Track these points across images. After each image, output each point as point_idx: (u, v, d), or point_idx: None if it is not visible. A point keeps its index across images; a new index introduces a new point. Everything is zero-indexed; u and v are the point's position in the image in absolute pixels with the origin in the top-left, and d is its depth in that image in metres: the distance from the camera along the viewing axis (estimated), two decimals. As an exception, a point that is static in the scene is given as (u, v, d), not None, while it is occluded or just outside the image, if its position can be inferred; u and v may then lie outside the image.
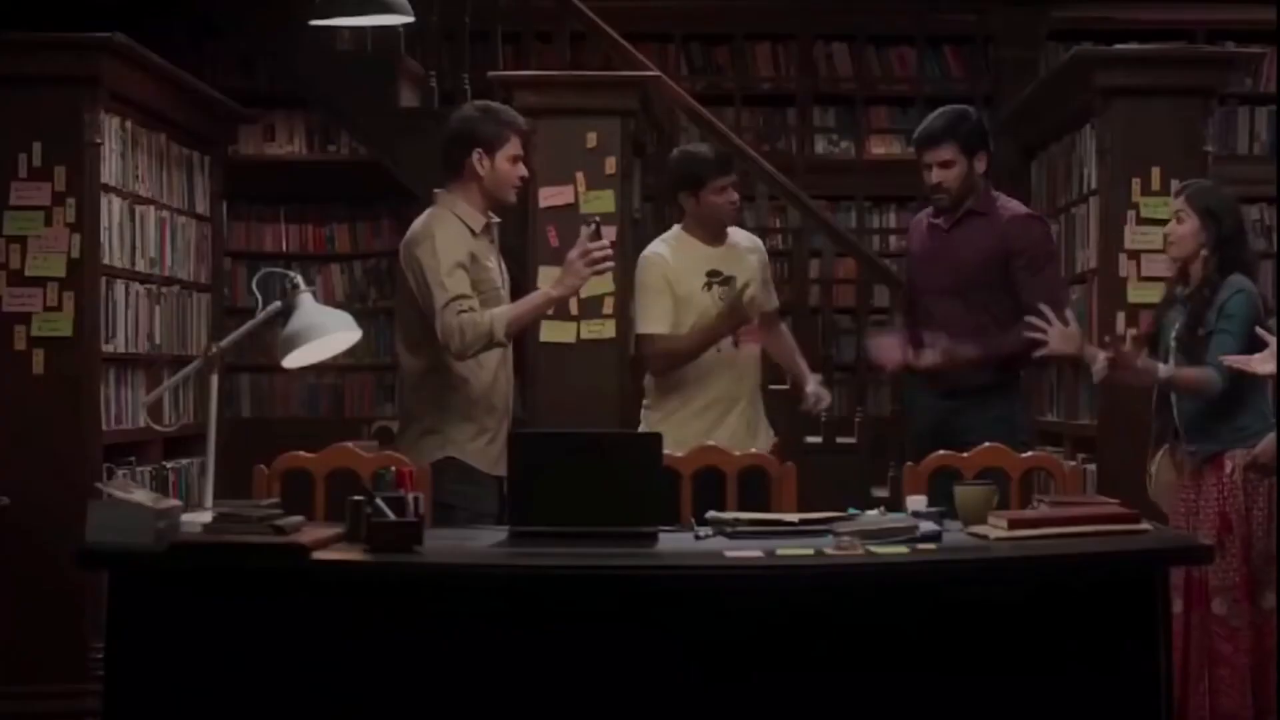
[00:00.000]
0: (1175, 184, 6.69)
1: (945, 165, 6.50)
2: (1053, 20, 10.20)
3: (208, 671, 4.66)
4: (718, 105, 9.90)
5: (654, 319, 6.55)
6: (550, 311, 7.04)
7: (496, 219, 6.09)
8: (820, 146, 10.76)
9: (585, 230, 5.93)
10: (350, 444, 5.97)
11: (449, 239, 5.87)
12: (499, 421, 6.02)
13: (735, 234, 6.72)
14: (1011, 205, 6.60)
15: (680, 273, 6.57)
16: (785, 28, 10.76)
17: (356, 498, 4.93)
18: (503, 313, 5.85)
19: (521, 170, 6.06)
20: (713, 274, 6.60)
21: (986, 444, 5.72)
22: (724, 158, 6.67)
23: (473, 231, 5.96)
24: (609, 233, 7.10)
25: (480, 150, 5.95)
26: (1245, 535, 5.82)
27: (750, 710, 4.60)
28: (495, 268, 6.08)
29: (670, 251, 6.63)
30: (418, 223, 6.02)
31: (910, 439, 6.77)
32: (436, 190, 6.06)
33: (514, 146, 6.01)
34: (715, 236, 6.62)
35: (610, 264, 6.04)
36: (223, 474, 5.53)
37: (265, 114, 10.20)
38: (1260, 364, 5.57)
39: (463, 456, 5.92)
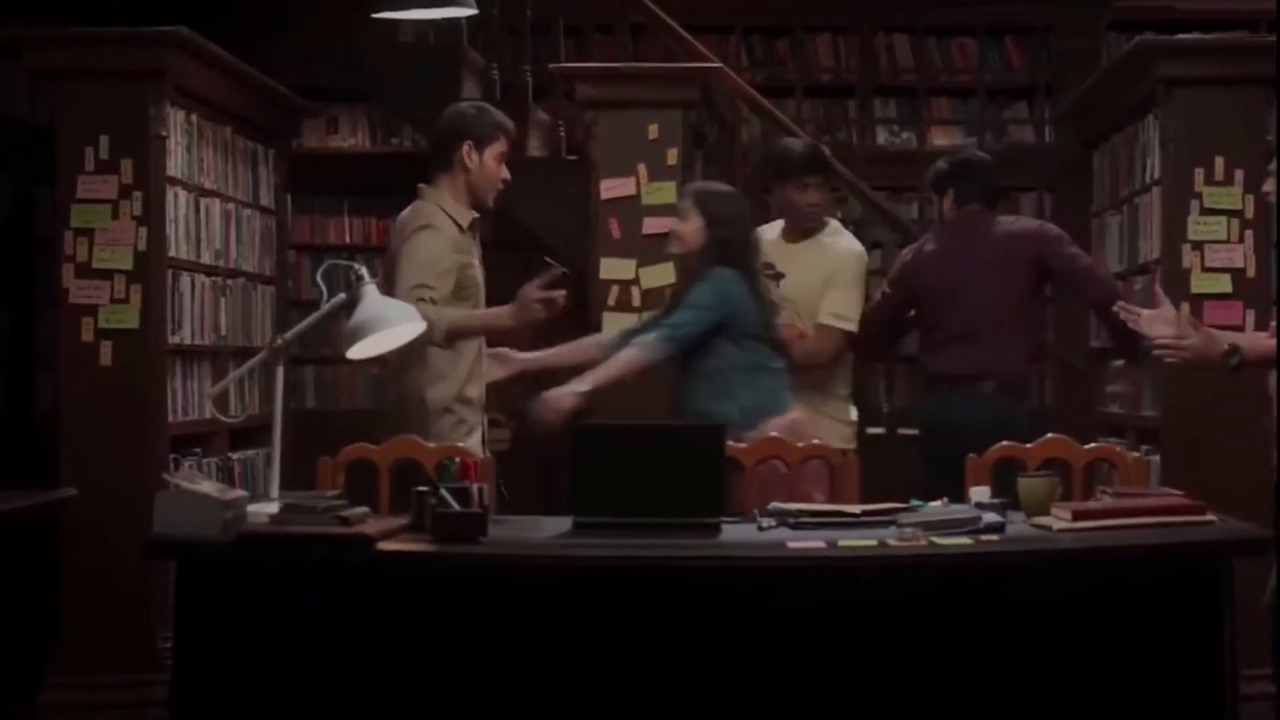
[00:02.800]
0: (1239, 174, 6.68)
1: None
2: (1114, 10, 10.15)
3: (273, 660, 4.70)
4: (779, 97, 9.90)
5: None
6: (612, 302, 7.10)
7: (478, 216, 6.24)
8: (881, 137, 10.75)
9: (550, 273, 6.08)
10: (414, 435, 6.00)
11: (445, 239, 6.08)
12: (476, 414, 6.24)
13: (830, 239, 6.81)
14: None
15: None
16: (846, 19, 10.74)
17: (421, 489, 4.96)
18: (453, 317, 6.06)
19: (505, 172, 6.28)
20: (767, 266, 6.69)
21: (1050, 435, 5.72)
22: (811, 159, 6.82)
23: (460, 226, 6.09)
24: (669, 223, 7.16)
25: (471, 143, 6.17)
26: None
27: (813, 701, 4.61)
28: (478, 265, 6.26)
29: (766, 231, 6.96)
30: (408, 213, 6.20)
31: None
32: (421, 185, 6.18)
33: (501, 146, 6.25)
34: (793, 231, 6.76)
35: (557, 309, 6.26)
36: (287, 465, 5.56)
37: (328, 107, 10.24)
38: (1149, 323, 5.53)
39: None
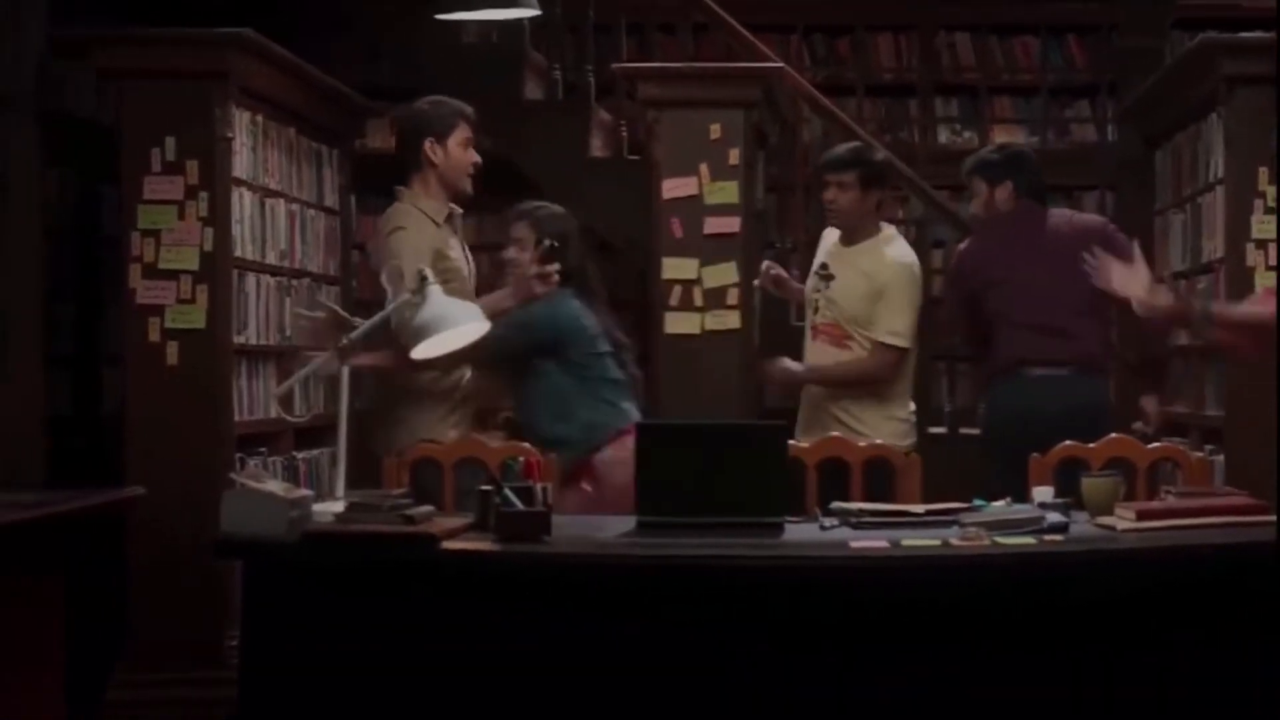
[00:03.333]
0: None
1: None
2: (1177, 8, 10.12)
3: (338, 657, 4.73)
4: (840, 96, 9.92)
5: None
6: (674, 302, 7.11)
7: (459, 210, 6.29)
8: (943, 136, 10.74)
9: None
10: (478, 434, 6.04)
11: (417, 235, 6.12)
12: (461, 408, 6.32)
13: (884, 248, 6.79)
14: None
15: (818, 254, 6.98)
16: (907, 18, 10.75)
17: (485, 487, 4.99)
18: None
19: (474, 156, 6.34)
20: (821, 267, 6.74)
21: (1113, 435, 5.71)
22: (830, 158, 6.83)
23: (436, 223, 6.17)
24: (731, 223, 7.18)
25: (432, 138, 6.27)
26: None
27: (876, 701, 4.61)
28: (460, 257, 6.39)
29: (829, 233, 7.01)
30: (383, 218, 6.30)
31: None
32: (398, 187, 6.23)
33: (464, 131, 6.33)
34: (845, 233, 6.78)
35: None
36: (351, 465, 5.59)
37: (392, 107, 10.25)
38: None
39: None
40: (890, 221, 8.73)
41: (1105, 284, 5.67)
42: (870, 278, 6.77)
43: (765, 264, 7.29)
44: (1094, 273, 5.79)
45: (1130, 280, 5.53)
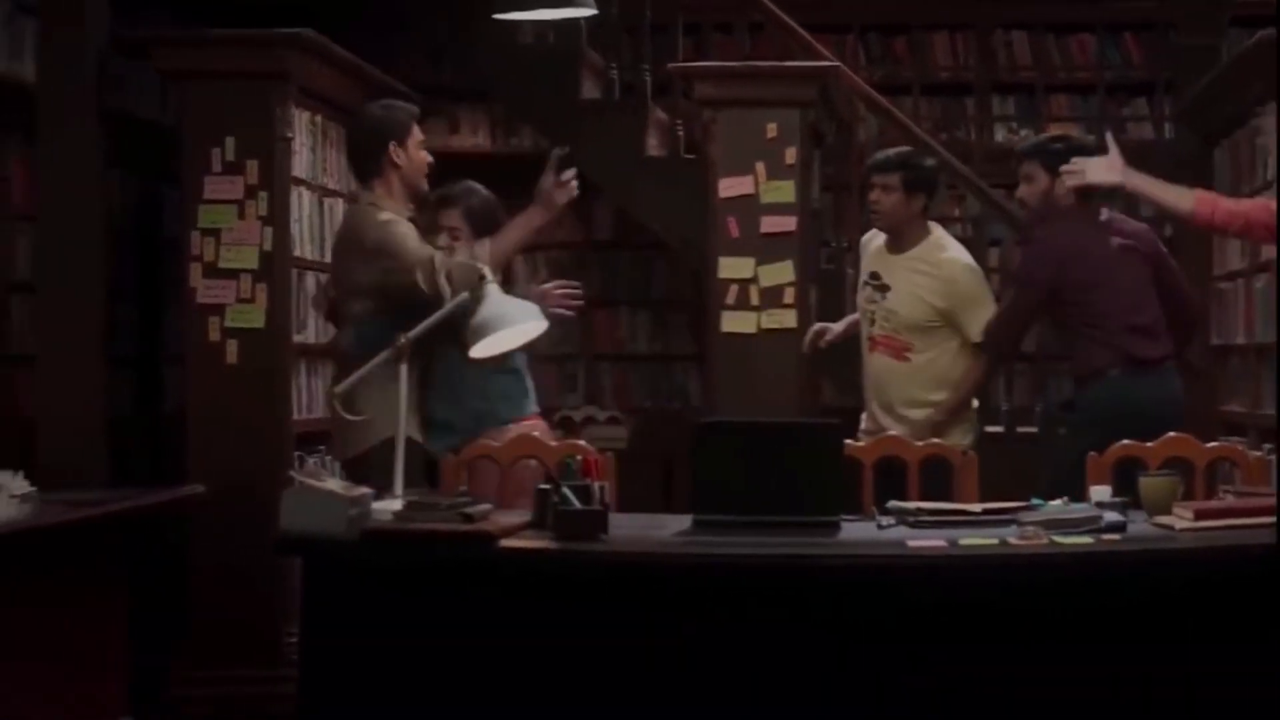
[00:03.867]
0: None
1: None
2: (1235, 5, 10.06)
3: (397, 654, 4.75)
4: (896, 95, 9.88)
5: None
6: (731, 301, 7.11)
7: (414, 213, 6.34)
8: (999, 135, 10.71)
9: (554, 157, 6.22)
10: (536, 433, 6.06)
11: (396, 224, 6.10)
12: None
13: (940, 254, 6.72)
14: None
15: (863, 262, 6.90)
16: (963, 17, 10.72)
17: (543, 486, 5.00)
18: (484, 253, 6.08)
19: (428, 155, 6.35)
20: (873, 276, 6.68)
21: (1171, 434, 5.70)
22: (876, 159, 6.78)
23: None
24: (788, 222, 7.18)
25: (394, 142, 6.23)
26: None
27: (932, 700, 4.62)
28: None
29: (870, 240, 6.93)
30: (355, 221, 6.27)
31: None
32: (360, 190, 6.30)
33: (417, 133, 6.32)
34: (892, 240, 6.71)
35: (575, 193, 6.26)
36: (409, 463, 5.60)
37: (449, 107, 10.33)
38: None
39: (410, 433, 5.99)
40: (948, 220, 8.76)
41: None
42: (933, 283, 6.68)
43: (813, 331, 7.12)
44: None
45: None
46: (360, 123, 6.41)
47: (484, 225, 6.26)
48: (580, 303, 6.43)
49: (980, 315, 6.65)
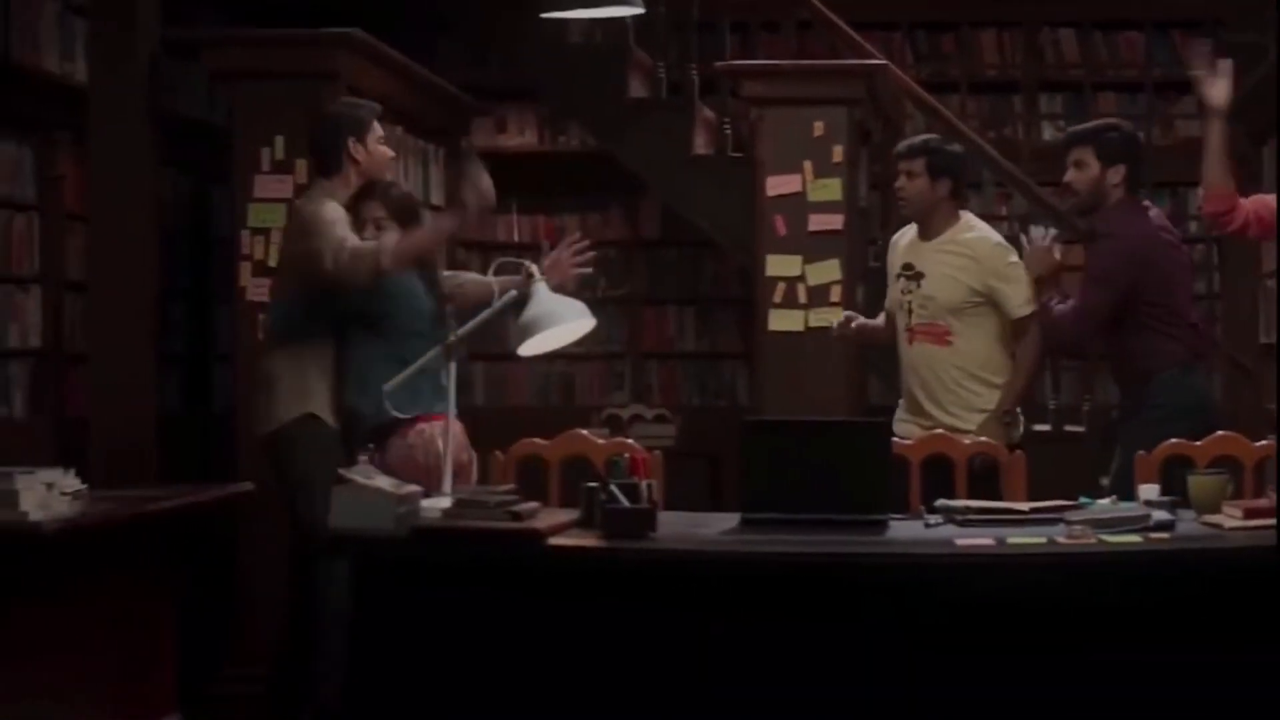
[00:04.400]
0: None
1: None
2: (1285, 3, 10.04)
3: (444, 651, 4.77)
4: (943, 93, 9.86)
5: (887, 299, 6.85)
6: (778, 299, 7.11)
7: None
8: (1047, 133, 10.68)
9: (466, 152, 6.07)
10: (584, 431, 6.08)
11: (332, 209, 6.08)
12: (330, 379, 6.21)
13: (967, 235, 6.65)
14: None
15: (892, 259, 6.75)
16: (1011, 14, 10.69)
17: (591, 484, 5.02)
18: (390, 240, 6.03)
19: (389, 150, 6.39)
20: (906, 267, 6.63)
21: (1221, 432, 5.69)
22: (900, 146, 6.73)
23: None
24: (835, 220, 7.18)
25: (354, 138, 6.23)
26: None
27: (980, 698, 4.61)
28: None
29: (901, 236, 6.79)
30: (298, 203, 6.28)
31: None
32: (318, 179, 6.26)
33: (378, 129, 6.33)
34: (922, 228, 6.65)
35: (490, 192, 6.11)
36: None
37: (497, 106, 10.34)
38: None
39: (320, 412, 6.13)
40: (995, 218, 8.73)
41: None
42: (965, 261, 6.60)
43: (840, 320, 6.91)
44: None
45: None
46: (321, 119, 6.42)
47: (403, 216, 6.22)
48: (593, 254, 6.37)
49: (1018, 290, 6.57)
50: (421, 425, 6.03)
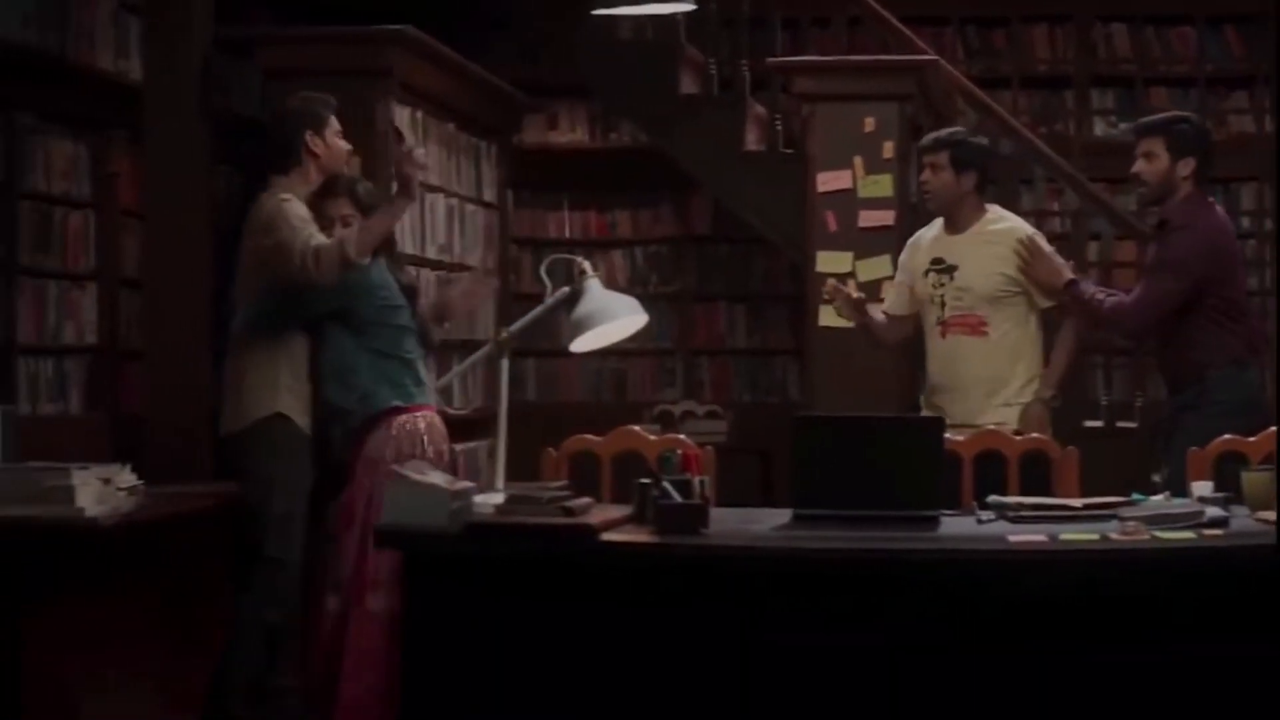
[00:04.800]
0: None
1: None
2: (1339, -3, 10.00)
3: (498, 645, 4.78)
4: (995, 88, 9.86)
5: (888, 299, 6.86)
6: (828, 296, 7.09)
7: None
8: (1099, 129, 10.67)
9: (408, 145, 6.07)
10: (636, 427, 6.09)
11: (296, 206, 6.06)
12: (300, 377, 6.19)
13: (996, 226, 6.64)
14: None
15: (916, 258, 6.73)
16: (1063, 9, 10.68)
17: (643, 480, 5.03)
18: (351, 232, 5.98)
19: (347, 145, 6.35)
20: (935, 261, 6.61)
21: (1275, 428, 5.67)
22: (924, 140, 6.70)
23: None
24: (886, 216, 7.18)
25: (311, 131, 6.23)
26: None
27: (1033, 694, 4.62)
28: None
29: (923, 234, 6.78)
30: (257, 203, 6.21)
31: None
32: (274, 176, 6.24)
33: (335, 123, 6.30)
34: (949, 223, 6.63)
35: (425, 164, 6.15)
36: (509, 457, 5.64)
37: (549, 103, 10.37)
38: None
39: (289, 412, 6.11)
40: (1046, 214, 8.71)
41: None
42: (1000, 249, 6.56)
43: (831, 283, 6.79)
44: None
45: None
46: (277, 113, 6.42)
47: (371, 211, 6.21)
48: (425, 165, 6.28)
49: (1056, 269, 6.57)
50: (404, 416, 6.06)
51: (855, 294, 6.66)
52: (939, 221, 6.72)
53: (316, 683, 5.99)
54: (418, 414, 6.07)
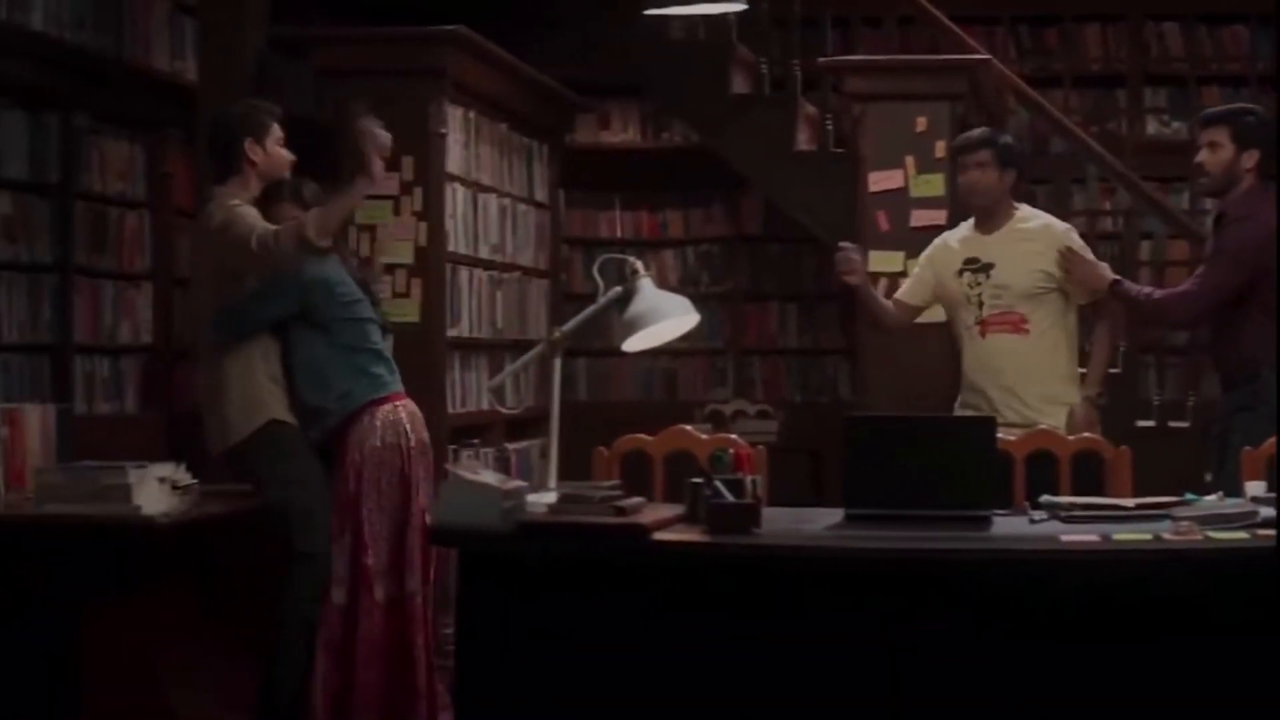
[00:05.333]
0: None
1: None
2: (1392, -6, 9.95)
3: (551, 644, 4.80)
4: (1047, 87, 9.84)
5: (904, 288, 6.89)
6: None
7: None
8: (1151, 127, 10.63)
9: (368, 123, 6.00)
10: (687, 427, 6.10)
11: (244, 208, 6.05)
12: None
13: (1031, 224, 6.63)
14: None
15: (947, 256, 6.72)
16: (1115, 7, 10.65)
17: (695, 479, 5.04)
18: (311, 214, 5.96)
19: (289, 154, 6.27)
20: (969, 261, 6.59)
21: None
22: (964, 141, 6.68)
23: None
24: (938, 215, 7.17)
25: (250, 139, 6.17)
26: None
27: (1086, 694, 4.61)
28: None
29: (951, 235, 6.78)
30: (204, 216, 6.19)
31: None
32: (215, 187, 6.20)
33: (277, 131, 6.24)
34: (982, 222, 6.62)
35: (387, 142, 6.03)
36: (560, 456, 5.66)
37: (600, 103, 10.38)
38: None
39: (282, 416, 6.10)
40: (1099, 213, 8.69)
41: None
42: (1039, 245, 6.53)
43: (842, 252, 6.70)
44: None
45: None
46: (218, 121, 6.35)
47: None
48: (386, 144, 6.07)
49: (1094, 265, 6.56)
50: (385, 406, 6.09)
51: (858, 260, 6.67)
52: (967, 222, 6.73)
53: (327, 674, 6.03)
54: (398, 404, 6.13)
